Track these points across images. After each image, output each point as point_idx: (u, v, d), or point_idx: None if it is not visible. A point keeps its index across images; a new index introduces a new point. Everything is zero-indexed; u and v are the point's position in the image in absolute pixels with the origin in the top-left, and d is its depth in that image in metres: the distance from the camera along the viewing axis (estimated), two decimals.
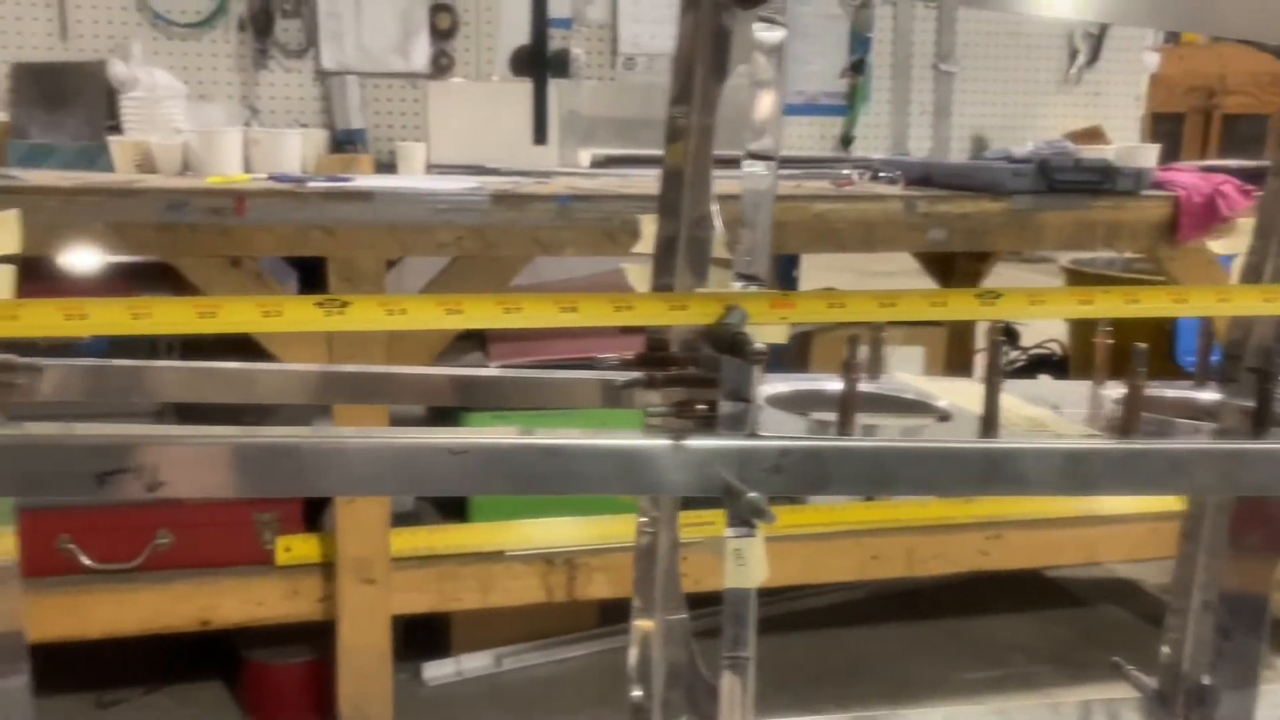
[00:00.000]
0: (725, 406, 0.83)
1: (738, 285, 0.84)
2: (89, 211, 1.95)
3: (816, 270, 3.71)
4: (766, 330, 0.81)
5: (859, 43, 2.84)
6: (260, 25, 2.61)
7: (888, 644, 2.68)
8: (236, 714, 2.31)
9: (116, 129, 2.41)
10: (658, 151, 1.04)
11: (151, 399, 0.93)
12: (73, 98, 2.47)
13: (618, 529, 2.26)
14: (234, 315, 0.63)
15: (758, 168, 0.83)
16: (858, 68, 2.84)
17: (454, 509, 2.38)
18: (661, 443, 0.82)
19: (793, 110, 2.87)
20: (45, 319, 0.69)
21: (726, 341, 0.80)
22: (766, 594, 0.89)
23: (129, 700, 2.33)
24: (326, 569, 2.19)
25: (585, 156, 2.67)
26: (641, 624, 1.12)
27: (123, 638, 2.13)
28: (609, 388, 1.06)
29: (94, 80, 2.47)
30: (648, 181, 2.33)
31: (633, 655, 1.14)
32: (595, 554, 2.27)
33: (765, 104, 0.83)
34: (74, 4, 2.52)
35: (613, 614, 2.51)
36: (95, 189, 1.99)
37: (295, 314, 0.65)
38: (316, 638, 2.27)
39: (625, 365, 0.97)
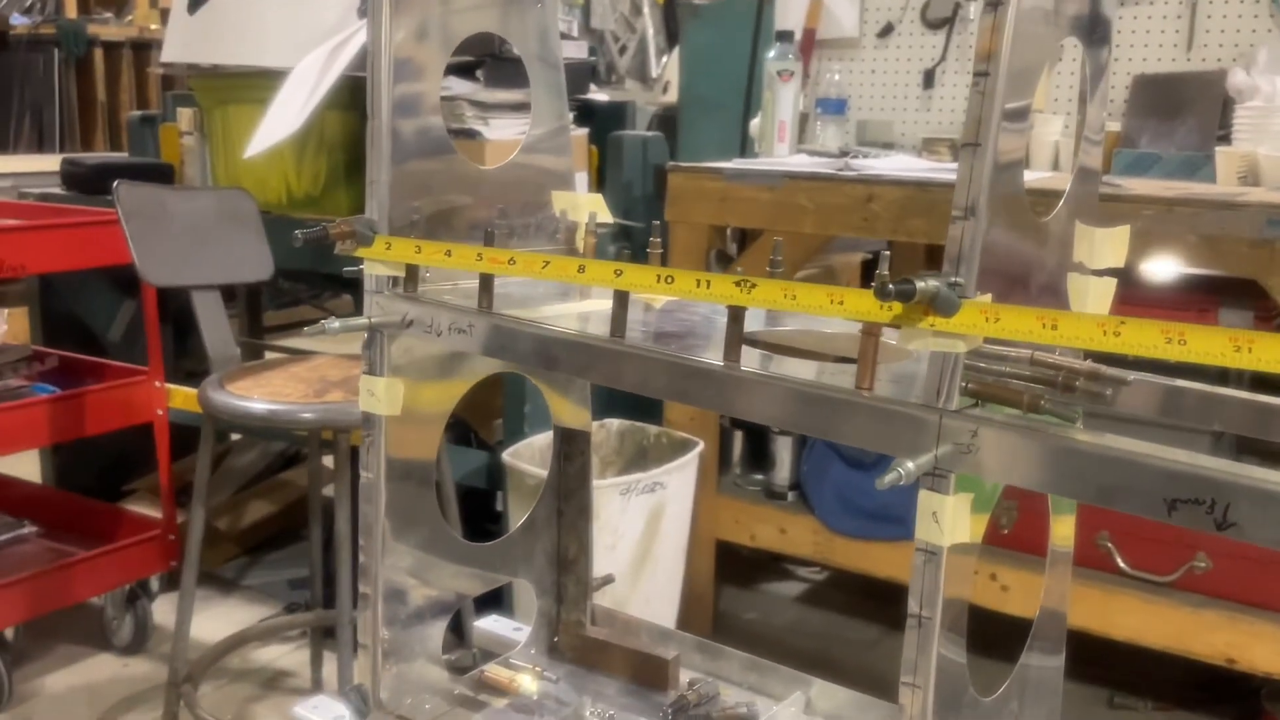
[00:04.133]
0: None
1: None
2: (1184, 222, 1.94)
3: None
4: None
5: None
6: None
7: None
8: None
9: (1225, 139, 2.36)
10: None
11: (1223, 428, 0.88)
12: (1187, 107, 2.47)
13: None
14: (1204, 345, 0.57)
15: None
16: None
17: None
18: None
19: None
20: (1022, 324, 0.67)
21: None
22: None
23: (1137, 710, 2.33)
24: None
25: None
26: None
27: (1143, 647, 2.13)
28: None
29: (1212, 89, 2.44)
30: None
31: None
32: None
33: None
34: (1205, 14, 2.51)
35: None
36: (1194, 200, 1.97)
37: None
38: None
39: None
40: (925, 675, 0.71)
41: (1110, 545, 2.17)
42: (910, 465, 0.68)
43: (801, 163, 2.49)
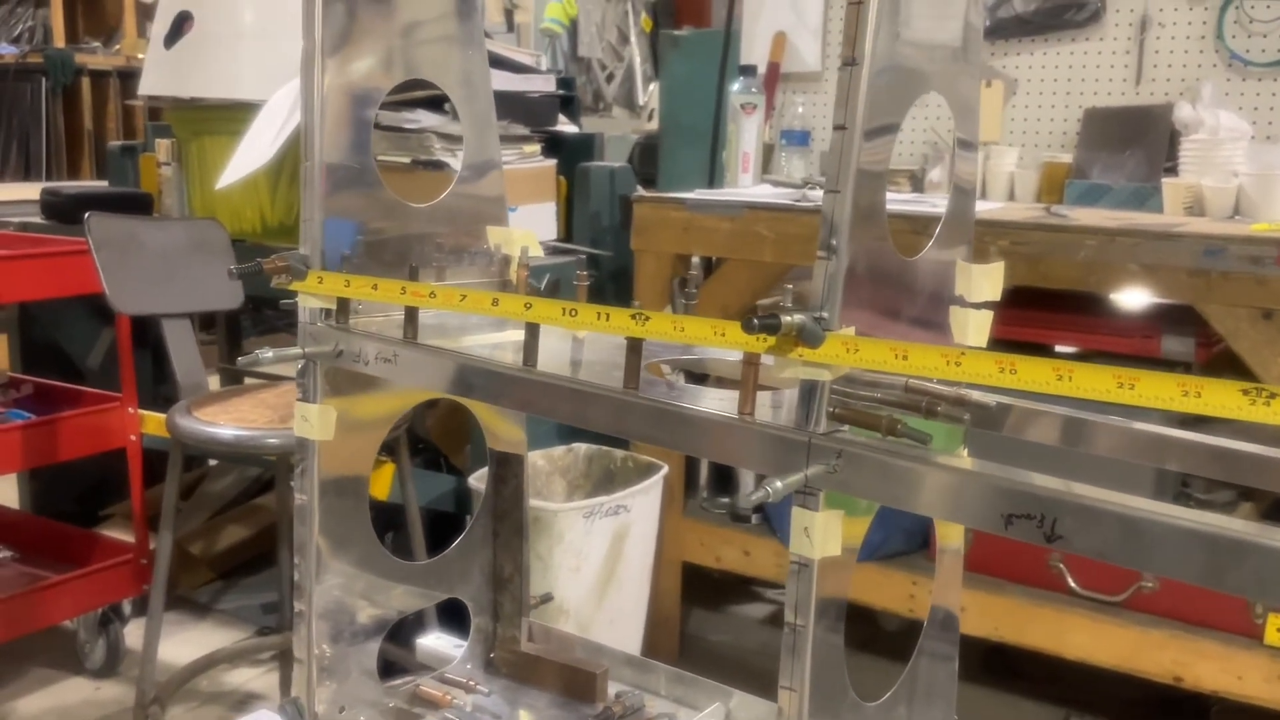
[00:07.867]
0: None
1: None
2: (1126, 252, 2.01)
3: None
4: None
5: None
6: None
7: None
8: None
9: (1173, 171, 2.43)
10: None
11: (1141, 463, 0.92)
12: (1136, 139, 2.54)
13: None
14: (1153, 390, 0.62)
15: None
16: None
17: None
18: None
19: None
20: (878, 355, 0.73)
21: None
22: None
23: None
24: None
25: None
26: None
27: (1096, 666, 2.17)
28: None
29: (1160, 123, 2.51)
30: None
31: None
32: None
33: None
34: (1152, 49, 2.58)
35: None
36: (1136, 230, 2.03)
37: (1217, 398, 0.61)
38: None
39: None
40: (800, 679, 0.76)
41: (1062, 566, 2.22)
42: (779, 484, 0.73)
43: (763, 193, 2.55)
